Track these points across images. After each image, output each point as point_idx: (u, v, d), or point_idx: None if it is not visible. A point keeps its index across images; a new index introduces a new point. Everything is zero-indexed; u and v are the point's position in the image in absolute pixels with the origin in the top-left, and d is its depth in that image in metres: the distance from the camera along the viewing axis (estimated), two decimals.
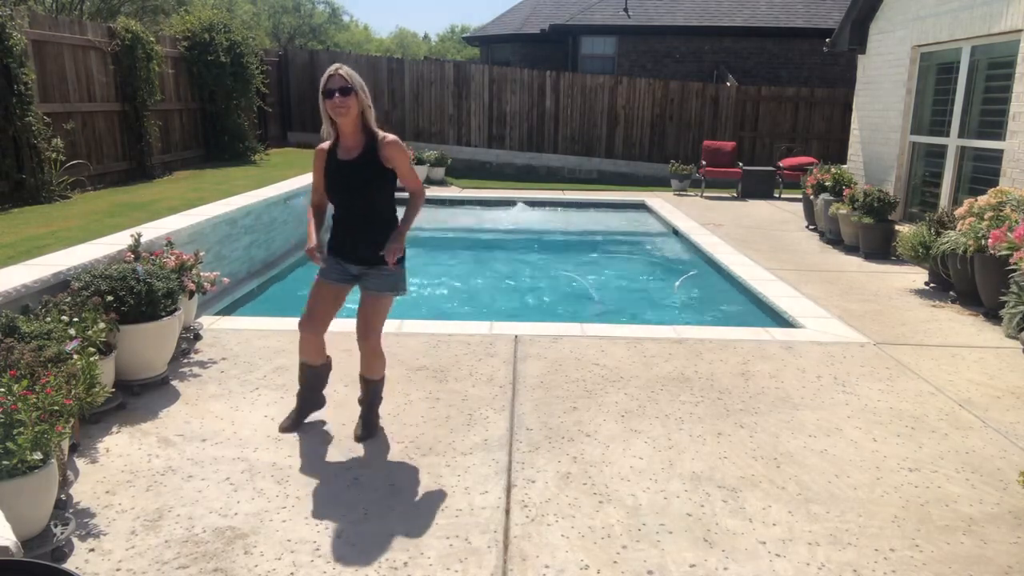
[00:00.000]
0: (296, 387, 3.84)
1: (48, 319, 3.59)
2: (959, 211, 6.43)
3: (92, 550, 2.68)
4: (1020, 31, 7.70)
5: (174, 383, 4.21)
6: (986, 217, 6.02)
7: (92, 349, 3.42)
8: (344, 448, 3.49)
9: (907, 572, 2.66)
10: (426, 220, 10.42)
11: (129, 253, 4.65)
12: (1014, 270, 5.16)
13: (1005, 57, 8.10)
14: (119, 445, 3.47)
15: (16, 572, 1.69)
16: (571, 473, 3.31)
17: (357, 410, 3.88)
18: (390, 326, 5.31)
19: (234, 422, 3.73)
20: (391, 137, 3.44)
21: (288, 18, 47.56)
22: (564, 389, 4.24)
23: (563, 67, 18.83)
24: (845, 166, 10.43)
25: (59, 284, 4.21)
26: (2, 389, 2.64)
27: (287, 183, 8.65)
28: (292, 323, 5.37)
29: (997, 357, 4.98)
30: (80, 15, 21.88)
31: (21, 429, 2.53)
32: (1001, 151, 7.97)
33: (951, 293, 6.42)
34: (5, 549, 1.90)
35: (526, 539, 2.81)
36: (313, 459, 3.38)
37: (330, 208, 3.64)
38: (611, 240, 10.97)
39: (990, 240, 5.65)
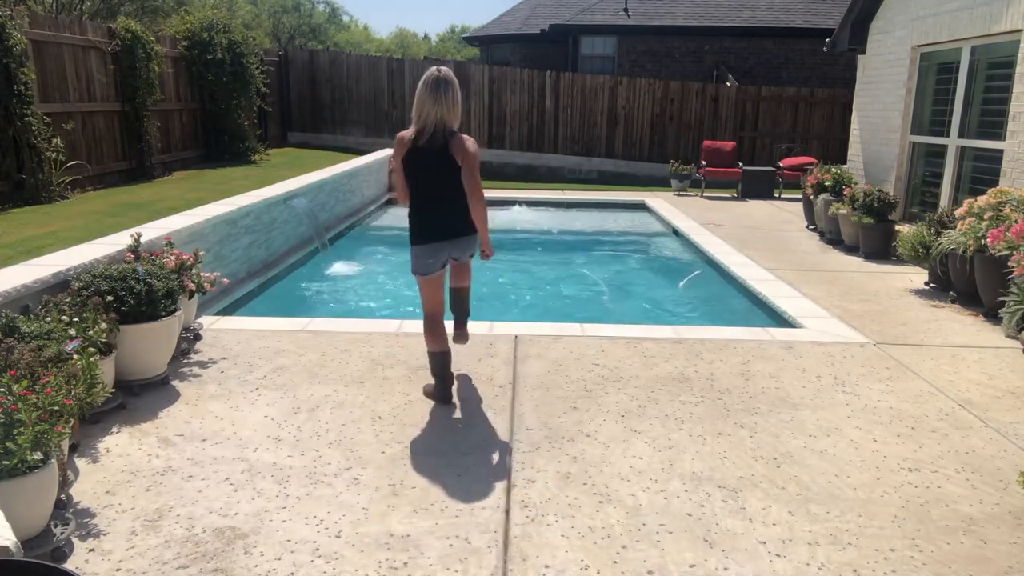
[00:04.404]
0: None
1: (48, 319, 3.59)
2: (959, 211, 6.42)
3: (92, 550, 2.68)
4: (1020, 31, 7.70)
5: (174, 383, 4.21)
6: (986, 217, 6.02)
7: (92, 349, 3.42)
8: (344, 448, 3.49)
9: (907, 572, 2.66)
10: None
11: (129, 253, 4.65)
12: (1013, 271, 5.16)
13: (1005, 57, 8.11)
14: (119, 445, 3.47)
15: (16, 572, 1.70)
16: (571, 473, 3.31)
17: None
18: (390, 326, 5.32)
19: (234, 422, 3.73)
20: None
21: (288, 18, 47.59)
22: (564, 389, 4.24)
23: (563, 67, 18.84)
24: (845, 166, 10.43)
25: (59, 284, 4.21)
26: (2, 389, 2.63)
27: (287, 183, 8.64)
28: (292, 323, 5.39)
29: (997, 357, 4.98)
30: (80, 15, 21.87)
31: (21, 429, 2.53)
32: (1001, 151, 7.97)
33: (951, 293, 6.41)
34: (5, 549, 1.90)
35: (526, 539, 2.81)
36: (313, 459, 3.37)
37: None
38: (611, 240, 10.96)
39: (989, 240, 5.65)
